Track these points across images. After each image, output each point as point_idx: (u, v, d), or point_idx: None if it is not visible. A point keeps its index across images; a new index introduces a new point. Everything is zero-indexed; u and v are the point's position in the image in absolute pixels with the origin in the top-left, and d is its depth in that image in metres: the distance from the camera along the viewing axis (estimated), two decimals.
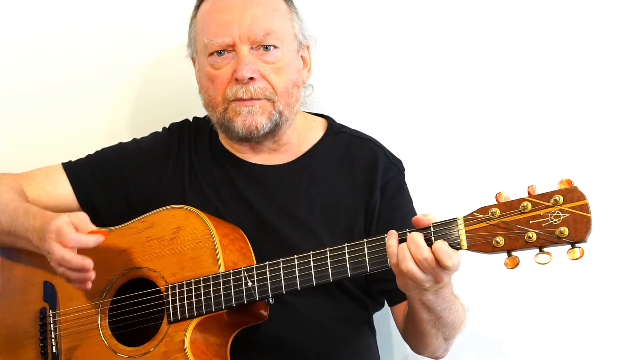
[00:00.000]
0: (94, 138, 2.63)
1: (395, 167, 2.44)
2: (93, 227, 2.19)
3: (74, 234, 2.16)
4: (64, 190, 2.47)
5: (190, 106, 2.53)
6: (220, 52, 2.34)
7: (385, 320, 2.55)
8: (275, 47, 2.34)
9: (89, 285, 2.21)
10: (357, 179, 2.40)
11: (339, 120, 2.51)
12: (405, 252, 2.00)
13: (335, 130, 2.48)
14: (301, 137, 2.45)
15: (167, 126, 2.55)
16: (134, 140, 2.54)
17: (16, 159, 2.67)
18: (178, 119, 2.56)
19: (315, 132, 2.47)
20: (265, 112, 2.33)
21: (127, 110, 2.80)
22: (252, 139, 2.37)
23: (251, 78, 2.31)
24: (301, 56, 2.42)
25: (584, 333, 2.69)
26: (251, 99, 2.32)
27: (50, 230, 2.18)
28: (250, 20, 2.32)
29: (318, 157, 2.44)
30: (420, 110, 2.73)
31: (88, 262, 2.17)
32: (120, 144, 2.53)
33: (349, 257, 2.10)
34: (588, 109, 2.69)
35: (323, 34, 2.52)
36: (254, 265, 2.20)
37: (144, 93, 2.79)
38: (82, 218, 2.20)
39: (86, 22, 2.77)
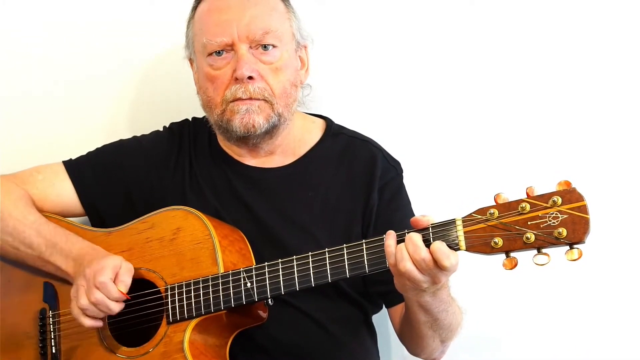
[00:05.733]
0: (95, 136, 2.62)
1: (393, 168, 2.44)
2: (129, 282, 2.23)
3: (107, 279, 2.20)
4: (66, 196, 2.48)
5: (191, 106, 2.53)
6: (219, 52, 2.34)
7: (384, 322, 2.55)
8: (274, 46, 2.34)
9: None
10: (355, 181, 2.40)
11: (337, 120, 2.51)
12: (403, 253, 2.00)
13: (333, 132, 2.47)
14: (298, 139, 2.45)
15: (167, 125, 2.55)
16: (135, 137, 2.54)
17: (16, 158, 2.66)
18: (178, 118, 2.56)
19: (314, 133, 2.47)
20: (263, 112, 2.32)
21: (128, 109, 2.79)
22: (250, 139, 2.36)
23: (250, 77, 2.30)
24: (299, 56, 2.42)
25: (582, 335, 2.68)
26: (250, 98, 2.31)
27: (98, 263, 2.23)
28: (248, 20, 2.32)
29: (316, 159, 2.43)
30: (418, 111, 2.73)
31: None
32: (121, 141, 2.53)
33: (347, 258, 2.10)
34: (587, 110, 2.69)
35: (321, 34, 2.53)
36: (253, 266, 2.20)
37: (144, 92, 2.79)
38: (130, 269, 2.25)
39: (86, 21, 2.76)
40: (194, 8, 2.42)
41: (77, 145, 2.56)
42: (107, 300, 2.20)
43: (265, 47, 2.33)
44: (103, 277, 2.20)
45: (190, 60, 2.46)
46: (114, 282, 2.21)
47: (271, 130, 2.36)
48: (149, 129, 2.56)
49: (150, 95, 2.78)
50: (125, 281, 2.22)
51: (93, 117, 2.79)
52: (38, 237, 2.36)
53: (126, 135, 2.57)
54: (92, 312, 2.22)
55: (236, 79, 2.31)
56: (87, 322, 2.24)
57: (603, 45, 2.68)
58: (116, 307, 2.21)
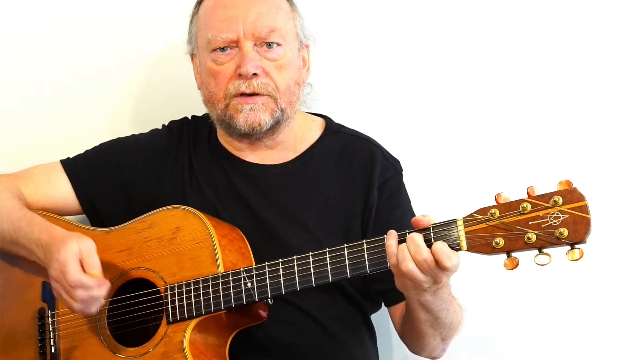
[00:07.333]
0: (96, 135, 2.60)
1: (392, 167, 2.44)
2: (97, 261, 2.19)
3: (76, 275, 2.17)
4: (63, 191, 2.48)
5: (193, 103, 2.53)
6: (223, 48, 2.34)
7: (384, 321, 2.55)
8: (278, 44, 2.34)
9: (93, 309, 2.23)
10: (354, 179, 2.40)
11: (337, 119, 2.51)
12: (405, 253, 2.00)
13: (333, 130, 2.48)
14: (299, 137, 2.45)
15: (166, 124, 2.55)
16: (133, 136, 2.54)
17: (17, 156, 2.67)
18: (180, 116, 2.55)
19: (313, 131, 2.47)
20: (267, 109, 2.33)
21: (129, 108, 2.79)
22: (253, 135, 2.37)
23: (255, 74, 2.31)
24: (301, 56, 2.42)
25: (582, 335, 2.69)
26: (253, 93, 2.32)
27: (57, 259, 2.19)
28: (254, 17, 2.33)
29: (316, 157, 2.44)
30: (419, 110, 2.73)
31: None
32: (119, 139, 2.53)
33: (348, 258, 2.10)
34: (587, 110, 2.70)
35: (322, 33, 2.53)
36: (253, 266, 2.20)
37: (146, 90, 2.78)
38: (90, 249, 2.20)
39: (86, 21, 2.76)
40: (198, 3, 2.42)
41: (78, 145, 2.55)
42: (91, 292, 2.17)
43: (269, 45, 2.34)
44: (71, 274, 2.17)
45: (192, 56, 2.46)
46: (83, 271, 2.18)
47: (274, 126, 2.36)
48: (152, 127, 2.56)
49: (151, 95, 2.78)
50: (94, 263, 2.18)
51: (93, 118, 2.78)
52: (7, 222, 2.34)
53: (128, 133, 2.56)
54: (88, 306, 2.21)
55: (240, 75, 2.31)
56: (94, 309, 2.22)
57: (603, 45, 2.69)
58: (102, 292, 2.19)
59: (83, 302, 2.19)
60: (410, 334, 2.34)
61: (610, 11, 2.68)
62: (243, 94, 2.32)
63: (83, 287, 2.17)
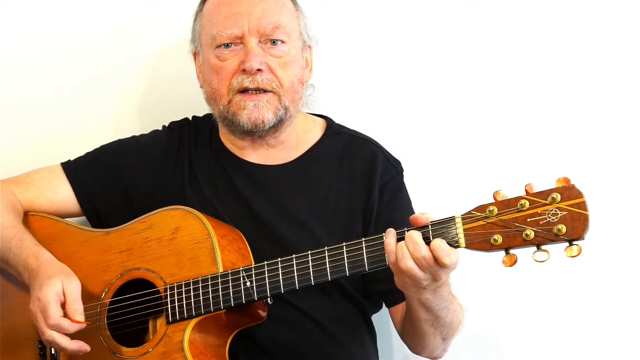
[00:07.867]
0: (97, 136, 2.61)
1: (393, 167, 2.44)
2: (81, 307, 2.18)
3: (56, 319, 2.16)
4: (64, 195, 2.48)
5: (194, 104, 2.54)
6: (228, 45, 2.35)
7: (385, 321, 2.55)
8: (282, 41, 2.35)
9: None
10: (355, 180, 2.40)
11: (338, 120, 2.51)
12: (403, 250, 2.00)
13: (334, 131, 2.48)
14: (300, 137, 2.45)
15: (166, 124, 2.55)
16: (134, 137, 2.55)
17: (18, 157, 2.69)
18: (181, 116, 2.56)
19: (314, 132, 2.47)
20: (271, 106, 2.33)
21: (130, 109, 2.79)
22: (256, 133, 2.37)
23: (259, 70, 2.31)
24: (304, 56, 2.43)
25: (582, 331, 2.68)
26: (257, 88, 2.32)
27: (38, 297, 2.19)
28: (259, 14, 2.34)
29: (317, 157, 2.44)
30: (419, 110, 2.73)
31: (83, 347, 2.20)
32: (120, 141, 2.53)
33: (347, 257, 2.10)
34: (585, 108, 2.70)
35: (324, 34, 2.53)
36: (252, 265, 2.20)
37: (146, 91, 2.79)
38: (75, 292, 2.19)
39: (88, 20, 2.77)
40: (202, 2, 2.43)
41: (79, 146, 2.56)
42: (60, 341, 2.17)
43: (274, 42, 2.35)
44: (51, 318, 2.16)
45: (195, 55, 2.46)
46: (64, 310, 2.17)
47: (277, 125, 2.36)
48: (151, 129, 2.56)
49: (151, 96, 2.78)
50: (78, 309, 2.18)
51: (94, 118, 2.78)
52: None
53: (131, 134, 2.56)
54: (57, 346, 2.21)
55: (244, 70, 2.32)
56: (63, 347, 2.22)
57: (602, 44, 2.69)
58: (73, 345, 2.19)
59: (50, 343, 2.20)
60: (411, 334, 2.33)
61: (609, 11, 2.68)
62: (247, 90, 2.33)
63: (62, 330, 2.17)
